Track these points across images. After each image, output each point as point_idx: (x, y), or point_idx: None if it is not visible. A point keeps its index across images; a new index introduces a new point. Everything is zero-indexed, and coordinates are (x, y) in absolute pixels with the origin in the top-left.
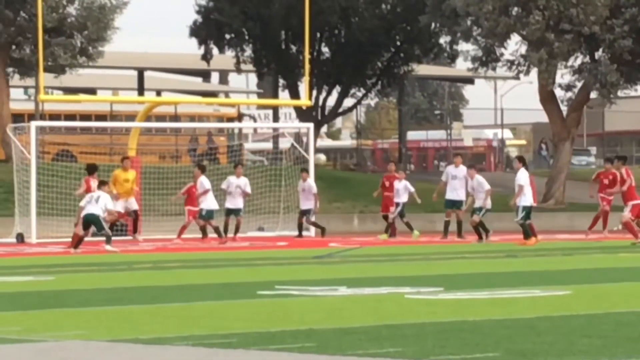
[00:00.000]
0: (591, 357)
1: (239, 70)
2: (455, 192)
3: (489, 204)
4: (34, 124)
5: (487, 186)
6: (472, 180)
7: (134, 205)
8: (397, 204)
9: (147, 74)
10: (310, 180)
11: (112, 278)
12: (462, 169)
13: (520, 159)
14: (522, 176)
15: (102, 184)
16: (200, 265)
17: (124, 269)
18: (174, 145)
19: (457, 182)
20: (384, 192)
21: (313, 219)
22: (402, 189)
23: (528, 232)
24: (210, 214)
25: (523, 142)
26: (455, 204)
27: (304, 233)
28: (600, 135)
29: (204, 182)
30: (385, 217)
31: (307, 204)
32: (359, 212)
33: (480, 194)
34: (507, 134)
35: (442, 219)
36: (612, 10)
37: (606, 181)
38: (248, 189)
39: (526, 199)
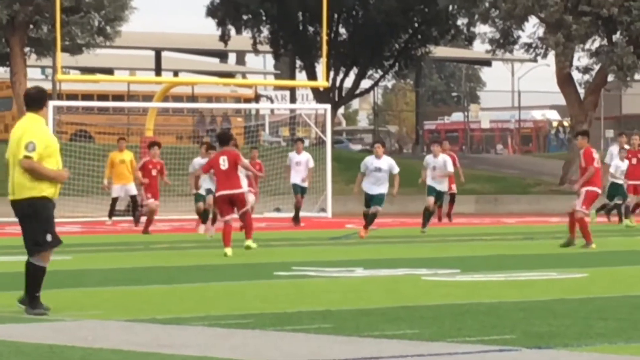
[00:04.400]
0: (608, 340)
1: (256, 51)
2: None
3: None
4: (51, 104)
5: (450, 168)
6: (436, 158)
7: (132, 190)
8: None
9: (164, 54)
10: (307, 153)
11: (129, 258)
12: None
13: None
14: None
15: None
16: (217, 246)
17: (141, 249)
18: (191, 125)
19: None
20: None
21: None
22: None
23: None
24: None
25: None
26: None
27: (321, 214)
28: (617, 118)
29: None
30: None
31: (302, 179)
32: None
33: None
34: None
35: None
36: None
37: None
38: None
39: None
